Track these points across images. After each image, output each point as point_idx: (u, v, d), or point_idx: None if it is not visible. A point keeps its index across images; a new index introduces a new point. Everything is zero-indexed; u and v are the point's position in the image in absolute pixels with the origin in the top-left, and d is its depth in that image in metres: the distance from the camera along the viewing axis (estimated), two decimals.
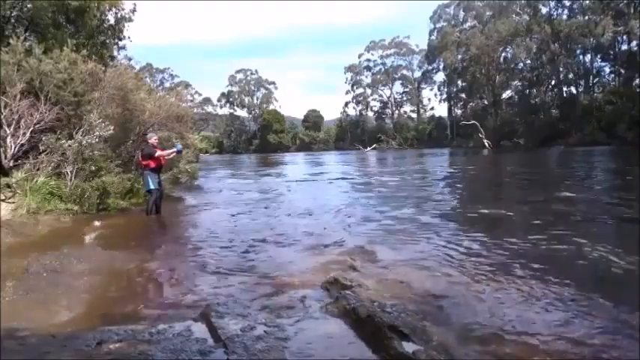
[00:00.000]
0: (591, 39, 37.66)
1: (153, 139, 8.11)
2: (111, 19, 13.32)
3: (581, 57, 42.01)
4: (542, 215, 6.85)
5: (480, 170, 19.05)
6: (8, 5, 11.45)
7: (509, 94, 51.42)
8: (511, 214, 7.26)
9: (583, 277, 3.91)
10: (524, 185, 12.32)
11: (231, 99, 77.64)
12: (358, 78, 73.71)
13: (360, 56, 72.77)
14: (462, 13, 57.47)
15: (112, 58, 13.74)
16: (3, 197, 7.21)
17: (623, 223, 6.37)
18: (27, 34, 11.37)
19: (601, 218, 6.67)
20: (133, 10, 13.56)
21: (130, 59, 17.32)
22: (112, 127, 8.87)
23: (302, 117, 78.36)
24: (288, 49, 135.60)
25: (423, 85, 70.25)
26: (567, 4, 41.17)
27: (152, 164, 7.87)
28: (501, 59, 50.69)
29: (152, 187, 7.81)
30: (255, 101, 78.68)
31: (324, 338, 2.75)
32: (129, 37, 14.05)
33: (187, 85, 61.19)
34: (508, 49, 48.89)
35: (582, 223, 6.37)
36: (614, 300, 3.24)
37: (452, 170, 19.53)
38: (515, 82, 49.19)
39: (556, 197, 8.88)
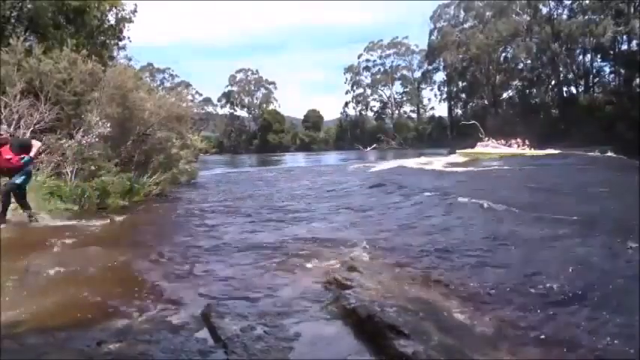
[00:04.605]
0: (591, 39, 37.62)
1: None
2: (111, 19, 13.36)
3: (581, 57, 41.97)
4: None
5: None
6: (8, 5, 11.47)
7: (510, 94, 51.43)
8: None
9: None
10: None
11: (231, 99, 77.59)
12: (358, 78, 73.73)
13: (359, 57, 72.82)
14: (462, 13, 57.42)
15: (112, 58, 13.77)
16: None
17: None
18: (27, 34, 11.38)
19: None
20: (134, 11, 13.59)
21: (129, 59, 17.35)
22: (109, 125, 8.87)
23: (302, 117, 78.35)
24: (288, 49, 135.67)
25: (422, 85, 70.16)
26: (567, 3, 41.12)
27: None
28: (501, 59, 50.66)
29: None
30: (255, 101, 78.67)
31: (324, 338, 2.74)
32: (128, 38, 14.09)
33: (188, 85, 61.26)
34: (508, 49, 48.86)
35: None
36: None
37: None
38: (515, 82, 49.15)
39: None
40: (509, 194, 9.27)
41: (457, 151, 25.81)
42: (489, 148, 24.57)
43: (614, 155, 21.14)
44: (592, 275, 3.77)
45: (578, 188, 10.22)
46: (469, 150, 24.73)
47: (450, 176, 14.95)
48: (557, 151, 23.48)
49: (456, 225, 6.33)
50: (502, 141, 25.57)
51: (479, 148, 24.66)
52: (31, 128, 8.15)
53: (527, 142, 25.27)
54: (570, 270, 3.86)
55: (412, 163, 21.89)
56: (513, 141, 25.13)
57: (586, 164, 17.32)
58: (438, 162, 22.34)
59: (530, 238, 5.17)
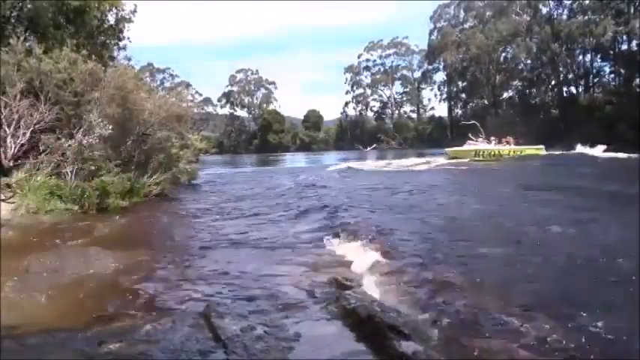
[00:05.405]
0: (591, 39, 37.59)
1: None
2: (111, 19, 13.36)
3: (581, 57, 41.93)
4: None
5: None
6: (8, 5, 11.46)
7: (510, 94, 51.43)
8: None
9: None
10: None
11: (231, 99, 77.55)
12: (358, 78, 73.71)
13: (359, 57, 72.78)
14: (462, 13, 57.45)
15: (112, 58, 13.76)
16: (3, 197, 7.21)
17: None
18: (27, 34, 11.37)
19: None
20: (134, 11, 13.60)
21: (129, 59, 17.33)
22: (110, 127, 8.86)
23: (302, 117, 78.29)
24: (288, 49, 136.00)
25: (423, 85, 70.20)
26: (567, 3, 41.09)
27: None
28: (501, 59, 50.67)
29: None
30: (255, 101, 78.63)
31: (324, 338, 2.75)
32: (128, 38, 14.09)
33: (188, 85, 61.17)
34: (508, 49, 48.87)
35: None
36: None
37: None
38: (515, 82, 49.14)
39: None
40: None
41: (446, 150, 26.62)
42: (466, 146, 25.22)
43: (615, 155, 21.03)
44: None
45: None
46: (456, 148, 25.60)
47: None
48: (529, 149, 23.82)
49: None
50: (494, 139, 25.81)
51: (465, 147, 25.32)
52: (31, 128, 8.15)
53: (510, 139, 25.21)
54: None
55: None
56: (493, 138, 25.46)
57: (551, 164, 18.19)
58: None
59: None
